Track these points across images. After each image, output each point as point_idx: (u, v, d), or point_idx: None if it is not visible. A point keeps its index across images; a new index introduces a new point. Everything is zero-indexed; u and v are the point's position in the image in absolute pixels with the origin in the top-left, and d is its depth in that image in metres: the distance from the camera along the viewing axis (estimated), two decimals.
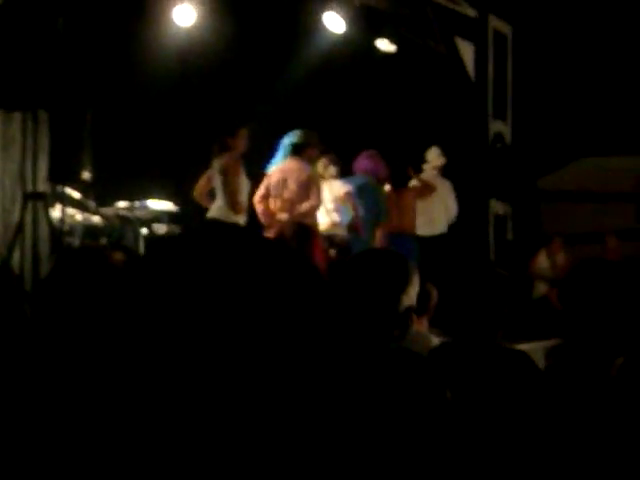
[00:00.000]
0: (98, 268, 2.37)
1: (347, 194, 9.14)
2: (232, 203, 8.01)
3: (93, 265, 2.39)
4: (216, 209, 8.13)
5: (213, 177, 8.21)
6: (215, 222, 8.03)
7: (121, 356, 1.56)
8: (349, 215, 9.21)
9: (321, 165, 9.17)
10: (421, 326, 5.10)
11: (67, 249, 7.11)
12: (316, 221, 8.66)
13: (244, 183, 8.18)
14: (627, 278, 2.46)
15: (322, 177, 9.11)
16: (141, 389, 1.42)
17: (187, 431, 1.46)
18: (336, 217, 9.13)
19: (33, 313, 3.44)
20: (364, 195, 9.34)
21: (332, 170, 9.29)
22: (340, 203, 9.14)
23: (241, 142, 8.18)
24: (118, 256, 2.32)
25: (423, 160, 10.71)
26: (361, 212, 9.24)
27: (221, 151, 8.12)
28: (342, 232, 9.11)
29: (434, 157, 10.70)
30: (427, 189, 10.19)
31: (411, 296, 2.73)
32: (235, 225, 7.97)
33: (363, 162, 9.55)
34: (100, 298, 2.27)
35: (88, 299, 2.32)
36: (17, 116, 7.41)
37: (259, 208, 8.50)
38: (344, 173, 9.50)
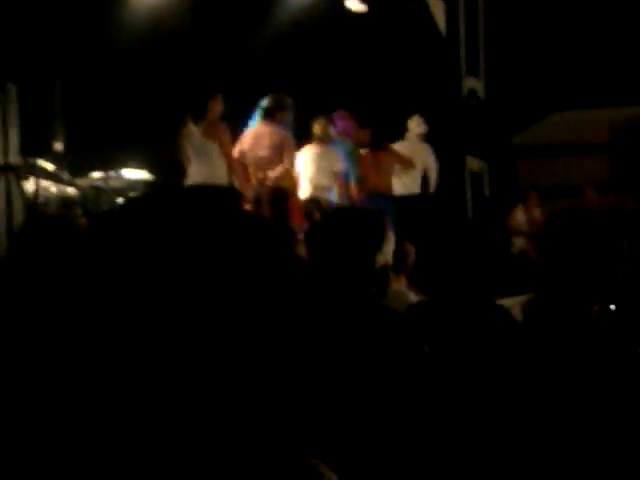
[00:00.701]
0: (63, 233, 2.36)
1: (336, 175, 9.13)
2: (230, 165, 7.93)
3: (58, 230, 2.38)
4: (205, 174, 7.95)
5: (191, 142, 8.03)
6: (206, 187, 7.85)
7: (86, 319, 1.54)
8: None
9: (319, 126, 9.15)
10: (399, 284, 5.11)
11: (32, 218, 7.06)
12: (293, 183, 8.64)
13: None
14: (603, 226, 2.46)
15: (321, 139, 9.10)
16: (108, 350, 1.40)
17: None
18: (325, 183, 9.12)
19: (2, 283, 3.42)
20: (349, 159, 9.40)
21: (332, 131, 9.27)
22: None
23: (218, 106, 8.11)
24: (82, 221, 2.32)
25: (405, 128, 10.70)
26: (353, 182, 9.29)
27: (199, 115, 8.01)
28: (327, 196, 9.10)
29: (415, 125, 10.73)
30: (406, 163, 10.21)
31: (387, 253, 2.73)
32: (230, 188, 7.85)
33: (339, 124, 9.52)
34: (66, 262, 2.26)
35: (54, 264, 2.31)
36: None
37: None
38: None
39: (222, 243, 1.60)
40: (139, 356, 1.33)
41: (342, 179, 9.23)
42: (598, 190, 12.09)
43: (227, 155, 7.94)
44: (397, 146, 10.33)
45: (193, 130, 8.00)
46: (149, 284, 1.36)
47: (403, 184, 10.34)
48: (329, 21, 11.12)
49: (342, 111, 9.60)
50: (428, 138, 10.76)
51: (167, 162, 8.79)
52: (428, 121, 10.98)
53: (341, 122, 9.53)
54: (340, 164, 9.21)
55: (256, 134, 8.40)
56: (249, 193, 8.17)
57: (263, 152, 8.38)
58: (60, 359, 1.92)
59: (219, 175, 7.89)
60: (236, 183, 7.97)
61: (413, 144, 10.60)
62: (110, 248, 1.35)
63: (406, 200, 10.09)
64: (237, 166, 8.32)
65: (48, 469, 1.30)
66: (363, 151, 9.83)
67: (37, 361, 2.02)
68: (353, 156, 9.59)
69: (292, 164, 8.52)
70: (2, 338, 2.27)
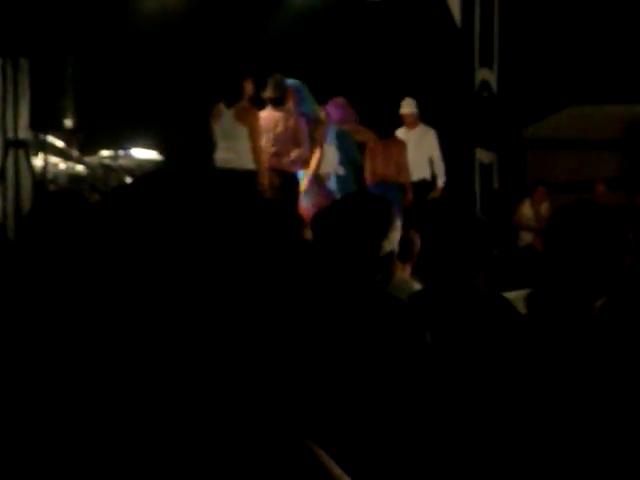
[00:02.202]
0: (75, 209, 2.36)
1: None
2: (257, 151, 7.90)
3: (70, 206, 2.38)
4: (229, 158, 7.90)
5: (219, 124, 7.98)
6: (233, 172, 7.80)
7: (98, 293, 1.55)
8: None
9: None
10: (404, 273, 5.11)
11: (46, 193, 7.08)
12: (309, 167, 8.63)
13: None
14: (609, 219, 2.44)
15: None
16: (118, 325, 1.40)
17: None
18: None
19: (15, 258, 3.43)
20: (344, 145, 9.35)
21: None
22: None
23: (250, 88, 8.10)
24: (96, 198, 2.33)
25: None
26: (340, 170, 9.23)
27: (234, 98, 7.97)
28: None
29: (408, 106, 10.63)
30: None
31: (392, 241, 2.72)
32: (252, 173, 7.80)
33: (335, 112, 9.47)
34: (78, 238, 2.26)
35: (66, 239, 2.31)
36: None
37: None
38: None
39: (232, 223, 1.60)
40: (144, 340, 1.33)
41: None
42: (608, 186, 12.08)
43: (255, 141, 7.91)
44: (401, 132, 10.32)
45: (224, 112, 7.96)
46: (157, 260, 1.35)
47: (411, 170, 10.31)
48: (344, 9, 11.09)
49: (338, 98, 9.54)
50: (438, 128, 10.72)
51: (179, 143, 8.79)
52: (439, 112, 10.94)
53: (335, 110, 9.45)
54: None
55: (268, 120, 8.36)
56: (265, 179, 8.14)
57: (277, 138, 8.35)
58: (61, 353, 1.92)
59: (244, 160, 7.87)
60: (260, 169, 7.95)
61: (420, 128, 10.55)
62: (121, 224, 1.35)
63: (415, 190, 10.07)
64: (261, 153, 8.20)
65: (48, 469, 1.30)
66: (371, 138, 9.82)
67: (38, 356, 2.03)
68: (350, 140, 9.52)
69: (307, 149, 8.53)
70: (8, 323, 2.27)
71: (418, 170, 10.30)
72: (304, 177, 8.75)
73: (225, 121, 7.95)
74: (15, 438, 1.39)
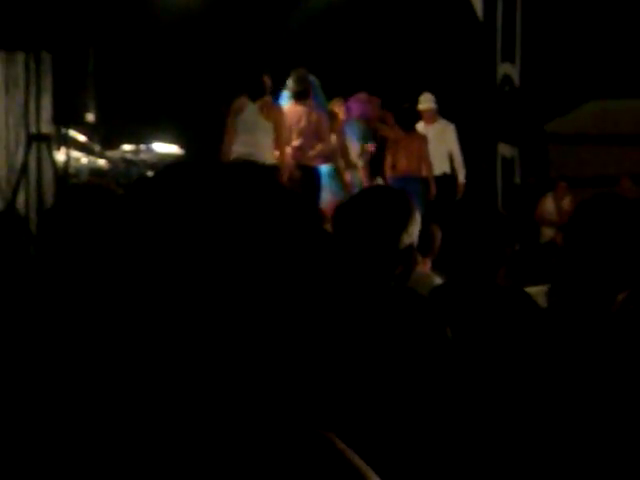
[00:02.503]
0: (101, 201, 2.36)
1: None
2: (282, 145, 7.94)
3: (96, 198, 2.38)
4: (247, 151, 7.92)
5: (242, 117, 7.99)
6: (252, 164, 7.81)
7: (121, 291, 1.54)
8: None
9: (336, 107, 9.17)
10: (425, 267, 5.11)
11: (71, 185, 7.12)
12: (334, 161, 8.69)
13: None
14: (632, 213, 2.43)
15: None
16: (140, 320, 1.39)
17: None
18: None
19: (38, 252, 3.44)
20: (361, 140, 9.43)
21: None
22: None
23: (269, 82, 8.15)
24: (120, 191, 2.32)
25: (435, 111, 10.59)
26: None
27: (258, 93, 8.00)
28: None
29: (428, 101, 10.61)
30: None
31: (412, 234, 2.70)
32: (273, 167, 7.84)
33: (357, 107, 9.50)
34: (103, 231, 2.26)
35: (91, 232, 2.31)
36: (20, 57, 7.37)
37: None
38: None
39: (254, 215, 1.59)
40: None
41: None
42: (633, 181, 12.01)
43: (280, 135, 7.93)
44: (420, 127, 10.31)
45: (247, 105, 7.96)
46: (179, 251, 1.35)
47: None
48: (365, 3, 11.06)
49: (361, 93, 9.56)
50: (460, 122, 10.69)
51: (201, 136, 8.81)
52: (461, 106, 10.91)
53: (357, 105, 9.48)
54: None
55: (292, 114, 8.37)
56: (286, 173, 8.16)
57: (301, 133, 8.36)
58: (74, 346, 1.92)
59: (262, 154, 7.86)
60: (283, 164, 7.97)
61: (439, 123, 10.54)
62: (143, 215, 1.34)
63: (436, 184, 10.06)
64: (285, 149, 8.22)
65: (47, 469, 1.29)
66: (395, 132, 9.82)
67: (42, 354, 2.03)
68: (367, 136, 9.58)
69: (329, 143, 8.56)
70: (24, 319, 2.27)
71: (438, 165, 10.29)
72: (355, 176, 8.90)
73: (248, 114, 7.95)
74: (15, 438, 1.38)
